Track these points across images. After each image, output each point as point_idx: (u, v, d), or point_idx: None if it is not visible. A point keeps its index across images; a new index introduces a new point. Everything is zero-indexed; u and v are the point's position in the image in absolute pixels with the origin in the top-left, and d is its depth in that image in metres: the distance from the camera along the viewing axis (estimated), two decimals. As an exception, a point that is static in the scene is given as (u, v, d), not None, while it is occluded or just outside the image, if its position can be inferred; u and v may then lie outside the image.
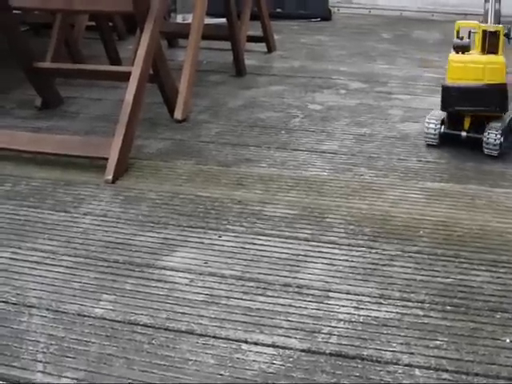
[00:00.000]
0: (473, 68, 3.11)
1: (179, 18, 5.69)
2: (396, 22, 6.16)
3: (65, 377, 1.86)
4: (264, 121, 3.66)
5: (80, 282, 2.28)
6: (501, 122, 3.15)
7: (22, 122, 3.66)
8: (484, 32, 3.11)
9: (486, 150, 3.12)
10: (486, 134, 3.10)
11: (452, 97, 3.14)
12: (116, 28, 5.21)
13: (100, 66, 4.03)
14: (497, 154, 3.10)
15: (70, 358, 1.93)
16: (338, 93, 4.16)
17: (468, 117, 3.19)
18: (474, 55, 3.15)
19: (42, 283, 2.28)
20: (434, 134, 3.24)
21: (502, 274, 2.26)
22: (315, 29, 5.76)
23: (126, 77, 3.28)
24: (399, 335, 1.98)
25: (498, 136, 3.08)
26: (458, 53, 3.12)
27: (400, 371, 1.85)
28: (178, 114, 3.67)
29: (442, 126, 3.23)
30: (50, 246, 2.50)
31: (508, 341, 1.95)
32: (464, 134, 3.19)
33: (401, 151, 3.25)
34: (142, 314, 2.11)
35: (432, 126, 3.23)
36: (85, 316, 2.11)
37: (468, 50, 3.12)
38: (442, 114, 3.24)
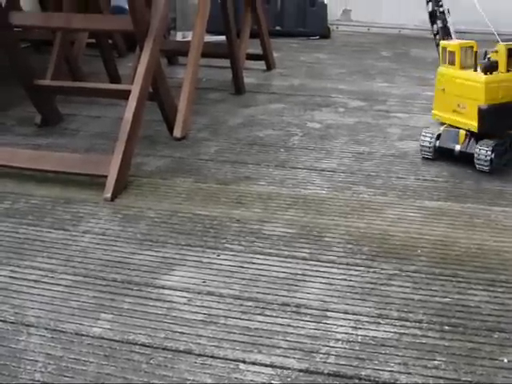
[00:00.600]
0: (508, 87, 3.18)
1: (179, 36, 5.74)
2: (395, 40, 6.20)
3: (63, 397, 1.86)
4: (263, 139, 3.68)
5: (78, 301, 2.28)
6: (494, 139, 3.18)
7: (22, 139, 3.68)
8: (509, 50, 3.13)
9: (477, 166, 3.17)
10: (477, 149, 3.15)
11: (492, 118, 3.16)
12: (116, 45, 5.25)
13: (100, 84, 4.05)
14: (488, 170, 3.14)
15: (67, 377, 1.93)
16: (337, 111, 4.18)
17: (463, 132, 3.24)
18: (505, 74, 3.17)
19: (41, 302, 2.28)
20: (429, 148, 3.32)
21: (499, 293, 2.26)
22: (314, 47, 5.80)
23: (125, 95, 3.30)
24: (397, 355, 1.98)
25: (489, 152, 3.12)
26: (486, 73, 3.12)
27: (392, 392, 1.85)
28: (177, 132, 3.68)
29: (438, 141, 3.31)
30: (48, 264, 2.50)
31: (506, 361, 1.95)
32: (458, 148, 3.25)
33: (399, 169, 3.27)
34: (140, 334, 2.11)
35: (427, 140, 3.33)
36: (83, 335, 2.11)
37: (496, 70, 3.15)
38: (438, 129, 3.32)
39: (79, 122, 3.98)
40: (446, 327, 2.10)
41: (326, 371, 1.93)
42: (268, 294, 2.30)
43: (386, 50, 5.78)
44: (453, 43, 3.31)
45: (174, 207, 2.91)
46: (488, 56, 3.19)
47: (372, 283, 2.34)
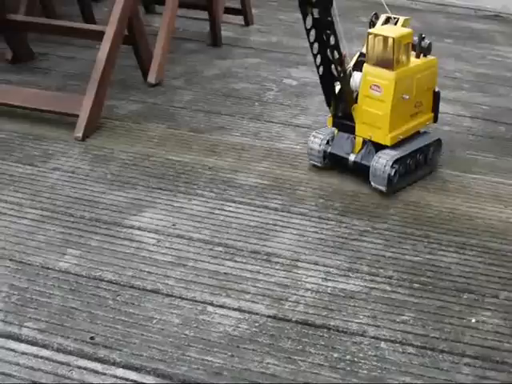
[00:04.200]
0: None
1: (157, -16, 5.59)
2: (375, 7, 6.13)
3: (26, 327, 1.82)
4: (238, 91, 3.62)
5: (45, 236, 2.23)
6: (398, 149, 2.63)
7: (-9, 74, 3.57)
8: None
9: (372, 182, 2.63)
10: (373, 162, 2.60)
11: None
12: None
13: (74, 23, 3.93)
14: (385, 190, 2.59)
15: (31, 308, 1.89)
16: (314, 70, 4.10)
17: (360, 138, 2.69)
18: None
19: (6, 234, 2.23)
20: (319, 152, 2.76)
21: (470, 256, 2.26)
22: (294, 7, 5.69)
23: (100, 36, 3.21)
24: (366, 308, 1.98)
25: (387, 168, 2.57)
26: None
27: (366, 343, 1.84)
28: (151, 78, 3.61)
29: (329, 147, 2.76)
30: (15, 197, 2.45)
31: (474, 320, 1.95)
32: (352, 158, 2.70)
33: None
34: (107, 271, 2.07)
35: (316, 143, 2.77)
36: (49, 269, 2.07)
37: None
38: (331, 132, 2.78)
39: (52, 61, 3.87)
40: (416, 285, 2.10)
41: (294, 319, 1.92)
42: (238, 240, 2.27)
43: (366, 15, 5.72)
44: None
45: (145, 151, 2.86)
46: None
47: (343, 238, 2.33)
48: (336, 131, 2.77)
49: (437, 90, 2.80)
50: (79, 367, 1.70)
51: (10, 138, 2.90)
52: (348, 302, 2.00)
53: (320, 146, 2.76)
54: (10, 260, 2.10)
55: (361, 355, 1.80)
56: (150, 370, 1.71)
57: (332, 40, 2.44)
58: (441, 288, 2.09)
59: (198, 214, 2.42)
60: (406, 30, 2.60)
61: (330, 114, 2.73)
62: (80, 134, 2.92)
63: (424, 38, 2.68)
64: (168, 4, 3.84)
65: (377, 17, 2.76)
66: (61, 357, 1.73)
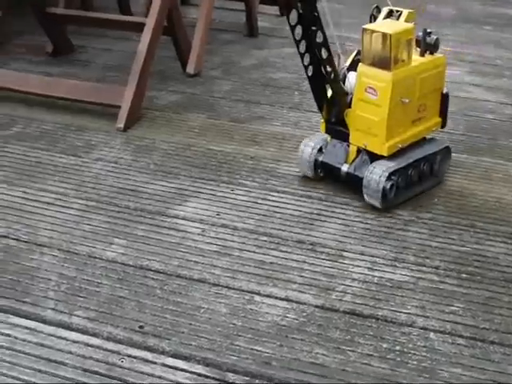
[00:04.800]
0: None
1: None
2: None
3: (76, 315, 1.84)
4: (276, 81, 3.61)
5: (91, 225, 2.25)
6: (397, 159, 2.41)
7: (33, 67, 3.60)
8: None
9: (366, 196, 2.40)
10: (367, 173, 2.38)
11: None
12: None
13: (114, 15, 3.95)
14: (380, 205, 2.37)
15: (81, 297, 1.91)
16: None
17: (354, 147, 2.46)
18: None
19: (53, 223, 2.25)
20: (309, 161, 2.53)
21: (517, 246, 2.23)
22: (329, -4, 5.67)
23: (139, 27, 3.22)
24: (414, 298, 1.96)
25: (382, 180, 2.35)
26: None
27: (415, 333, 1.83)
28: (190, 69, 3.61)
29: (322, 155, 2.54)
30: (60, 188, 2.47)
31: (523, 311, 1.93)
32: (345, 169, 2.48)
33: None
34: (153, 260, 2.08)
35: (307, 152, 2.54)
36: (96, 258, 2.08)
37: None
38: (323, 140, 2.57)
39: (90, 53, 3.90)
40: (464, 275, 2.07)
41: (341, 309, 1.91)
42: (283, 230, 2.27)
43: (399, 2, 5.66)
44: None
45: (187, 141, 2.86)
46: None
47: (388, 227, 2.31)
48: (329, 138, 2.54)
49: (445, 91, 2.54)
50: (129, 356, 1.71)
51: (53, 129, 2.93)
52: (395, 292, 1.98)
53: (311, 154, 2.52)
54: (58, 249, 2.11)
55: (410, 346, 1.78)
56: (199, 359, 1.71)
57: (319, 37, 2.24)
58: (489, 278, 2.06)
59: (242, 203, 2.41)
60: (407, 25, 2.35)
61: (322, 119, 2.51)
62: (122, 125, 2.94)
63: (430, 33, 2.42)
64: (205, -5, 3.84)
65: (378, 10, 2.51)
66: (111, 345, 1.74)
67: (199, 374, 1.67)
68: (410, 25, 2.35)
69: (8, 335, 1.75)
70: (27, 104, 3.14)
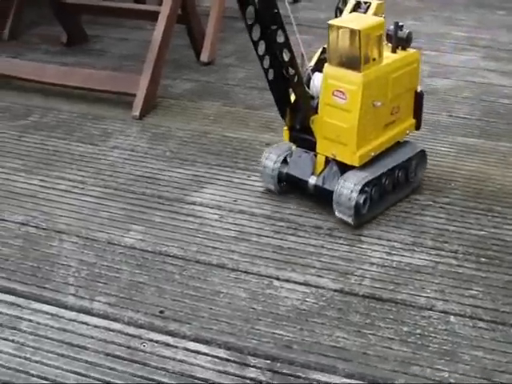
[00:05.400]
0: None
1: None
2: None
3: (97, 301, 1.85)
4: (291, 69, 3.59)
5: (109, 212, 2.26)
6: (369, 169, 2.20)
7: (48, 57, 3.62)
8: None
9: (336, 212, 2.18)
10: (337, 187, 2.16)
11: None
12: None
13: (129, 4, 3.96)
14: (352, 222, 2.16)
15: (101, 283, 1.92)
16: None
17: (322, 157, 2.23)
18: None
19: (71, 211, 2.26)
20: (272, 175, 2.31)
21: (536, 230, 2.23)
22: (342, -17, 5.64)
23: (155, 16, 3.22)
24: (433, 282, 1.96)
25: (354, 194, 2.13)
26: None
27: (435, 317, 1.82)
28: (204, 57, 3.62)
29: (286, 167, 2.31)
30: (78, 175, 2.48)
31: (543, 294, 1.92)
32: (313, 181, 2.25)
33: (430, 105, 3.18)
34: (172, 246, 2.09)
35: (269, 165, 2.31)
36: (115, 244, 2.09)
37: None
38: (287, 150, 2.33)
39: (105, 43, 3.90)
40: (482, 259, 2.07)
41: (361, 293, 1.91)
42: (300, 215, 2.27)
43: None
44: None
45: (202, 128, 2.87)
46: None
47: (405, 212, 2.30)
48: (294, 147, 2.30)
49: (419, 90, 2.32)
50: (151, 340, 1.72)
51: (70, 118, 2.94)
52: (414, 276, 1.98)
53: (274, 166, 2.30)
54: (77, 236, 2.13)
55: (431, 329, 1.78)
56: (220, 343, 1.72)
57: (280, 37, 2.00)
58: (508, 262, 2.05)
59: (258, 189, 2.41)
60: (377, 19, 2.11)
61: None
62: (137, 113, 2.95)
63: (402, 26, 2.18)
64: (219, -17, 3.83)
65: (345, 2, 2.28)
66: (132, 330, 1.76)
67: (221, 358, 1.67)
68: (379, 19, 2.12)
69: (30, 320, 1.77)
70: (44, 94, 3.15)
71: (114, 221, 2.21)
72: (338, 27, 2.05)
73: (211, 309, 1.83)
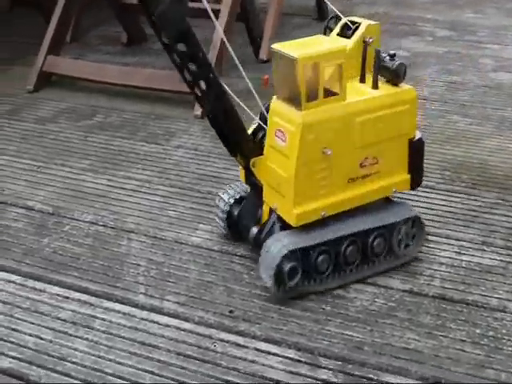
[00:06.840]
0: None
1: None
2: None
3: (167, 300, 1.86)
4: (350, 64, 3.57)
5: (176, 211, 2.28)
6: (311, 232, 1.82)
7: (109, 58, 3.67)
8: None
9: (262, 275, 1.84)
10: (263, 248, 1.83)
11: None
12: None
13: (190, 2, 3.97)
14: (274, 291, 1.82)
15: (170, 282, 1.93)
16: (425, 40, 4.04)
17: (268, 206, 1.90)
18: None
19: (139, 210, 2.29)
20: (222, 219, 2.07)
21: None
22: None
23: (215, 15, 3.22)
24: (505, 283, 1.92)
25: (277, 260, 1.78)
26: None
27: (508, 319, 1.79)
28: (263, 55, 3.62)
29: (238, 209, 2.03)
30: (144, 175, 2.51)
31: None
32: (253, 232, 1.95)
33: (495, 100, 3.14)
34: (238, 246, 2.09)
35: (220, 207, 2.06)
36: (182, 243, 2.11)
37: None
38: (243, 190, 2.08)
39: (163, 41, 3.92)
40: (555, 259, 2.03)
41: (430, 293, 1.89)
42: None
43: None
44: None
45: (265, 127, 2.86)
46: None
47: (474, 211, 2.27)
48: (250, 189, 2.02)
49: (417, 137, 1.90)
50: (221, 340, 1.73)
51: (134, 118, 2.98)
52: (485, 277, 1.95)
53: (224, 206, 2.05)
54: (145, 235, 2.15)
55: (504, 331, 1.75)
56: (290, 344, 1.72)
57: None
58: None
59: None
60: (336, 46, 1.75)
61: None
62: (199, 112, 2.96)
63: (394, 55, 1.83)
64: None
65: (336, 21, 2.01)
66: (202, 329, 1.77)
67: (292, 359, 1.67)
68: (339, 45, 1.77)
69: (103, 319, 1.80)
70: (107, 94, 3.20)
71: (180, 220, 2.23)
72: (280, 54, 1.75)
73: (280, 309, 1.83)
